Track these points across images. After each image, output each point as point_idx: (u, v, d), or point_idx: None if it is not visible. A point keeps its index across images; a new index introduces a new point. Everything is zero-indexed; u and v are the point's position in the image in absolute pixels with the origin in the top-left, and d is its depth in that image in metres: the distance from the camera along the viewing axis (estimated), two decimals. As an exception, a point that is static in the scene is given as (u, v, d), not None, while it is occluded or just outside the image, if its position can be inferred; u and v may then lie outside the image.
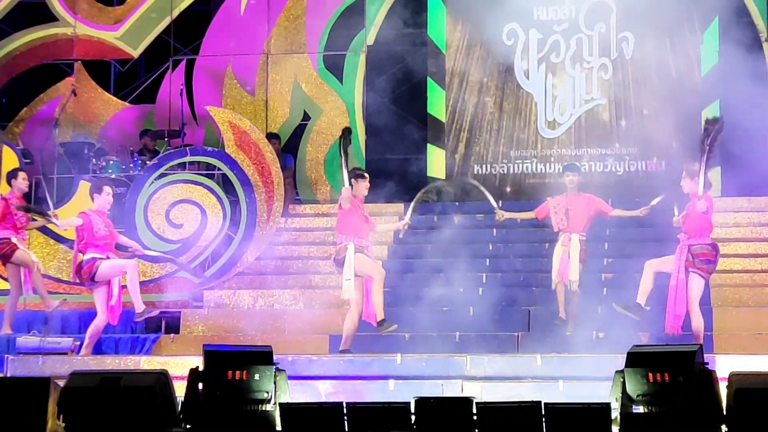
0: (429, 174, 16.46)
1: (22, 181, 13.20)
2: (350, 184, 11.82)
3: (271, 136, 16.02)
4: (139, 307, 12.28)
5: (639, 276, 12.21)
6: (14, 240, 12.96)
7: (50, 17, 17.21)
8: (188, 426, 8.53)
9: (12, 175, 13.36)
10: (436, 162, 16.57)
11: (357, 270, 11.74)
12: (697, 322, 11.60)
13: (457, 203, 15.88)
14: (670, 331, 11.63)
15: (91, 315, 13.73)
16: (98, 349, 13.00)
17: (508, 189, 16.30)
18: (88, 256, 12.09)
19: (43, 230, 14.35)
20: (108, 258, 12.17)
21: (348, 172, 11.85)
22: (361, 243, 11.84)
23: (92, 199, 12.39)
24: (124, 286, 12.30)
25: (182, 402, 8.60)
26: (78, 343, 12.23)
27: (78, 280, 12.43)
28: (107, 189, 12.38)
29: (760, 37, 15.99)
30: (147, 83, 17.95)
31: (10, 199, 13.03)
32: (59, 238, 14.50)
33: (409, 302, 13.39)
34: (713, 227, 11.84)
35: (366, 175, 12.23)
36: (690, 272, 11.62)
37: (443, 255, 14.49)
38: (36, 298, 13.23)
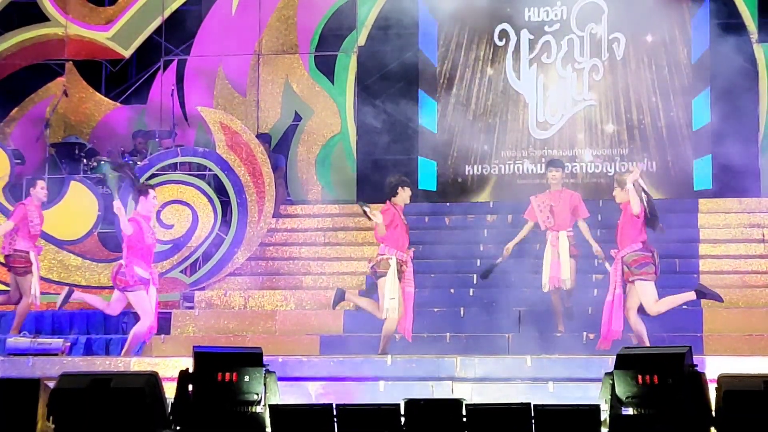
0: (420, 175, 16.45)
1: (40, 190, 12.89)
2: (396, 193, 11.81)
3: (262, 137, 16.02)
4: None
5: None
6: (32, 257, 12.69)
7: (41, 17, 17.15)
8: (178, 428, 8.53)
9: (30, 184, 13.12)
10: (428, 161, 16.56)
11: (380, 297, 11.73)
12: (639, 327, 11.41)
13: (447, 204, 15.90)
14: (601, 347, 11.40)
15: (82, 316, 13.71)
16: (89, 349, 12.98)
17: (500, 190, 16.29)
18: (136, 269, 11.66)
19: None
20: (150, 285, 11.77)
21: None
22: (402, 257, 11.73)
23: (135, 204, 12.15)
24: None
25: (172, 404, 8.60)
26: (68, 344, 12.17)
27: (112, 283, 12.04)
28: (152, 192, 12.08)
29: (750, 38, 16.00)
30: (138, 84, 17.93)
31: (28, 206, 12.77)
32: (50, 239, 14.47)
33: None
34: (645, 234, 11.46)
35: (409, 182, 12.10)
36: (631, 283, 11.36)
37: (434, 256, 14.50)
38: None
